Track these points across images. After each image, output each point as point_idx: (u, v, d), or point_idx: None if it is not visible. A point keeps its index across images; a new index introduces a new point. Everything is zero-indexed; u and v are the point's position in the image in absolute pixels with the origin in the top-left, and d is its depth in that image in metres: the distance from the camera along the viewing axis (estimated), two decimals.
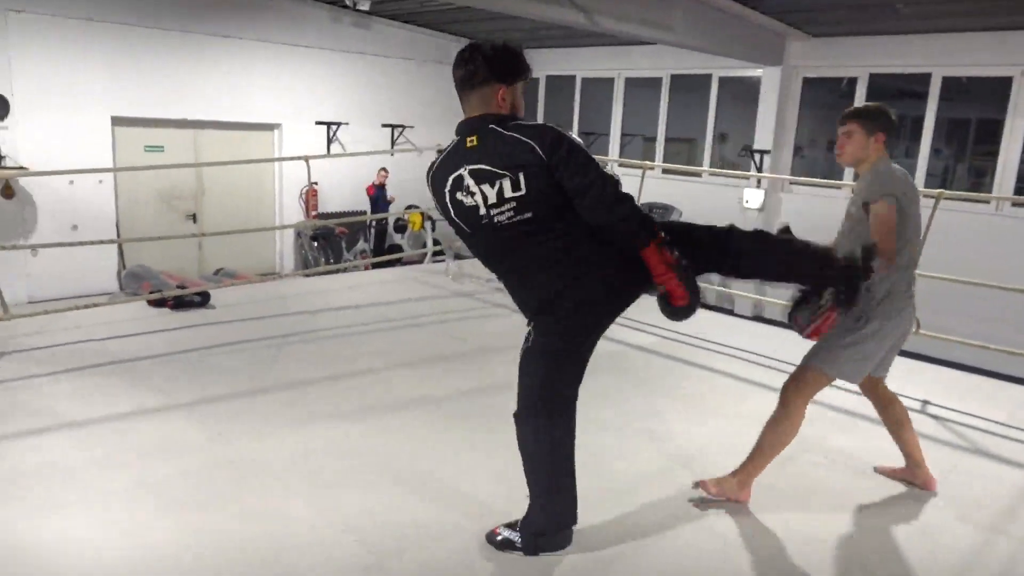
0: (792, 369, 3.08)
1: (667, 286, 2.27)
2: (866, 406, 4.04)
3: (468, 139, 2.33)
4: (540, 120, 12.29)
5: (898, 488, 3.28)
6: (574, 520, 2.62)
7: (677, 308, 2.30)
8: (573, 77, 11.96)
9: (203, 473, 3.13)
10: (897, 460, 3.32)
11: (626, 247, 2.28)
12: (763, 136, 9.75)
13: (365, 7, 9.62)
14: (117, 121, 9.14)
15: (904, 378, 4.57)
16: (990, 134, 8.76)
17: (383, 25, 11.13)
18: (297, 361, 4.56)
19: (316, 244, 10.72)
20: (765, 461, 2.99)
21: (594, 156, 2.32)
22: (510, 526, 2.63)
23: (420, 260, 9.73)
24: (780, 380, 3.05)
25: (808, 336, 2.75)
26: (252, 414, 3.73)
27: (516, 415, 2.54)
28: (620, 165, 11.10)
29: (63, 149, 8.37)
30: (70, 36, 8.58)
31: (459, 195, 2.34)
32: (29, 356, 4.43)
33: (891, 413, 3.20)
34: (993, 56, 8.07)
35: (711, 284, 9.77)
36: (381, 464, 3.28)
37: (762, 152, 9.71)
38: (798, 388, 2.94)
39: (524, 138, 2.25)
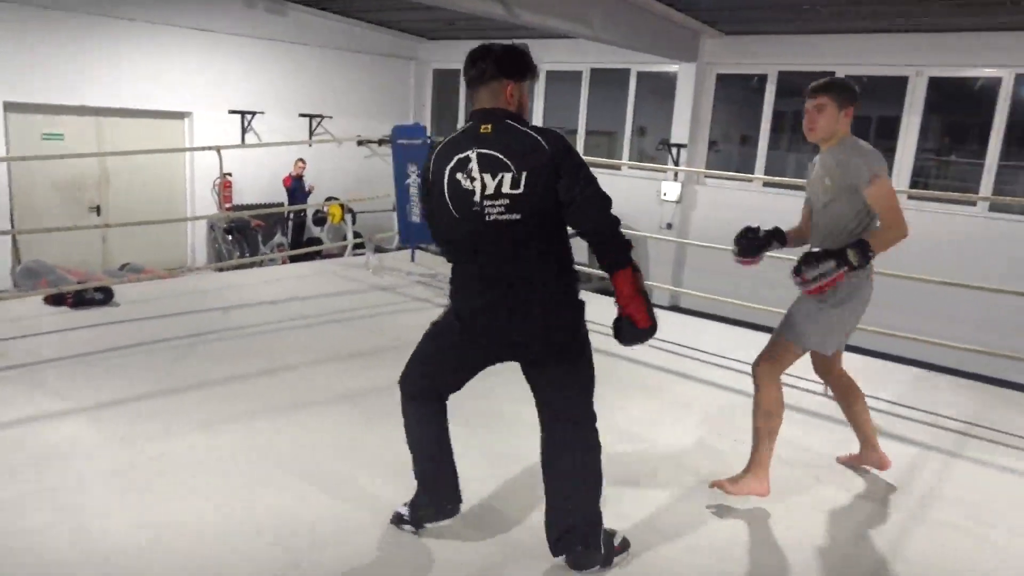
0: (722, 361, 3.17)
1: (633, 310, 2.34)
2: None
3: (483, 126, 2.36)
4: (463, 110, 12.25)
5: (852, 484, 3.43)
6: (453, 499, 2.72)
7: (639, 330, 2.36)
8: None
9: (105, 478, 2.98)
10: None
11: (603, 263, 2.36)
12: (679, 130, 9.99)
13: None
14: (10, 107, 8.59)
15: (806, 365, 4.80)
16: (890, 131, 9.24)
17: (299, 12, 10.82)
18: (209, 359, 4.40)
19: (230, 237, 10.37)
20: (767, 447, 3.01)
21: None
22: (407, 503, 2.74)
23: (340, 253, 9.55)
24: (683, 363, 3.14)
25: (810, 292, 2.84)
26: (159, 415, 3.57)
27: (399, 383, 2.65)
28: None
29: None
30: None
31: (459, 175, 2.35)
32: None
33: (847, 395, 3.24)
34: (892, 57, 8.51)
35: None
36: (296, 463, 3.20)
37: (679, 146, 9.95)
38: (770, 363, 2.98)
39: (539, 137, 2.30)
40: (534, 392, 2.51)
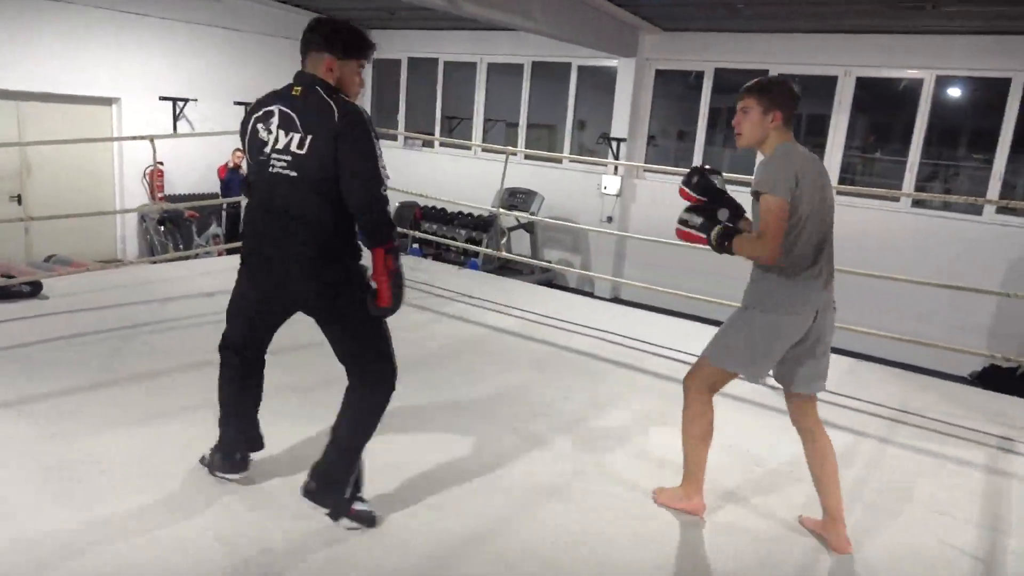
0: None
1: (380, 287, 2.50)
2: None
3: (295, 88, 2.52)
4: (403, 101, 12.16)
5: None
6: (239, 449, 2.93)
7: (381, 308, 2.53)
8: (436, 60, 11.88)
9: (36, 476, 2.87)
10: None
11: (366, 239, 2.51)
12: (619, 125, 10.13)
13: None
14: None
15: None
16: (818, 128, 9.58)
17: None
18: (146, 353, 4.28)
19: (163, 229, 10.04)
20: (696, 462, 2.92)
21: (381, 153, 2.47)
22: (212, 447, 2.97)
23: None
24: (624, 353, 3.20)
25: (677, 230, 2.91)
26: (93, 411, 3.46)
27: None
28: (484, 150, 11.19)
29: None
30: None
31: (259, 126, 2.52)
32: None
33: (815, 450, 2.86)
34: (822, 56, 8.82)
35: (572, 269, 10.06)
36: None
37: (618, 140, 10.10)
38: (693, 380, 2.89)
39: (335, 108, 2.44)
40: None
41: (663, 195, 9.96)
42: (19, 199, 9.27)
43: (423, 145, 12.03)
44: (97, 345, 4.33)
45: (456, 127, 12.09)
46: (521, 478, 3.21)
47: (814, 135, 9.73)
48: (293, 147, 2.45)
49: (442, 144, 11.62)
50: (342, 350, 2.68)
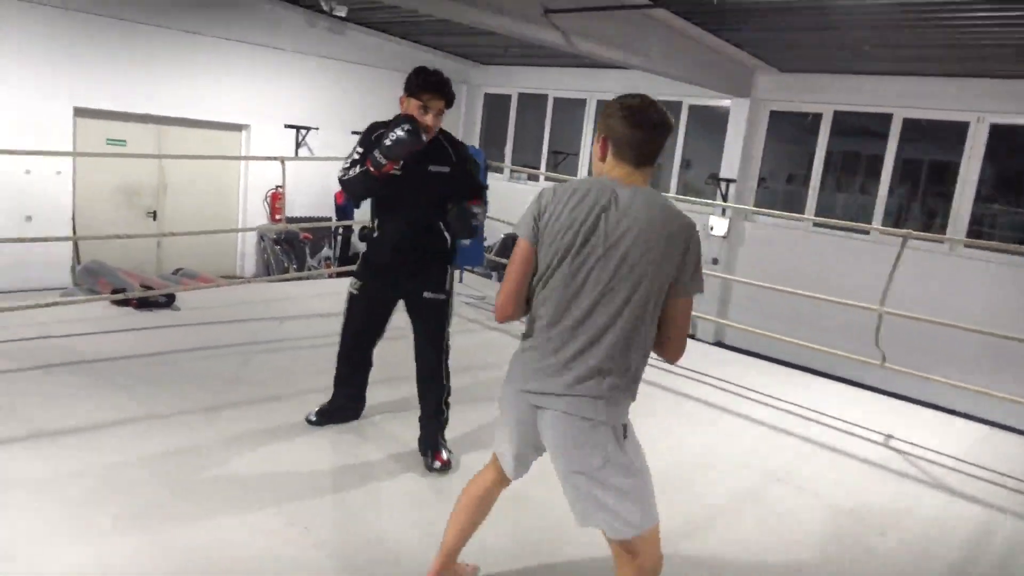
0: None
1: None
2: (830, 435, 4.16)
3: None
4: (511, 134, 12.36)
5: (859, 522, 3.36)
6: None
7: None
8: (545, 96, 12.07)
9: (173, 484, 3.04)
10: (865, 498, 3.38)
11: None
12: (729, 165, 9.97)
13: (342, 13, 9.55)
14: (80, 112, 8.88)
15: (871, 413, 4.73)
16: (941, 175, 9.13)
17: (357, 32, 11.07)
18: (268, 370, 4.48)
19: (279, 248, 10.55)
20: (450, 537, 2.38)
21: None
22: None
23: None
24: (742, 404, 3.10)
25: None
26: (225, 424, 3.64)
27: None
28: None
29: (22, 137, 8.09)
30: (37, 23, 8.32)
31: None
32: None
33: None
34: (953, 101, 8.41)
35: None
36: (354, 479, 3.23)
37: (728, 181, 9.92)
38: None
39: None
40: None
41: (773, 238, 9.70)
42: (154, 215, 9.96)
43: (528, 178, 12.19)
44: (224, 358, 4.57)
45: (562, 162, 12.21)
46: None
47: (935, 183, 9.28)
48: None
49: (547, 178, 11.73)
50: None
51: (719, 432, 4.33)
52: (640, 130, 2.03)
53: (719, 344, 8.75)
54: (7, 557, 2.46)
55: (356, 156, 3.15)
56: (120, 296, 5.17)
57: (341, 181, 3.20)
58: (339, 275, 8.86)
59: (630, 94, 2.08)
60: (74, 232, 8.95)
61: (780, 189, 10.63)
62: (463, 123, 12.79)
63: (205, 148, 10.00)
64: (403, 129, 3.01)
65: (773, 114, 9.92)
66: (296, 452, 3.42)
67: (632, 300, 1.97)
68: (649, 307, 1.98)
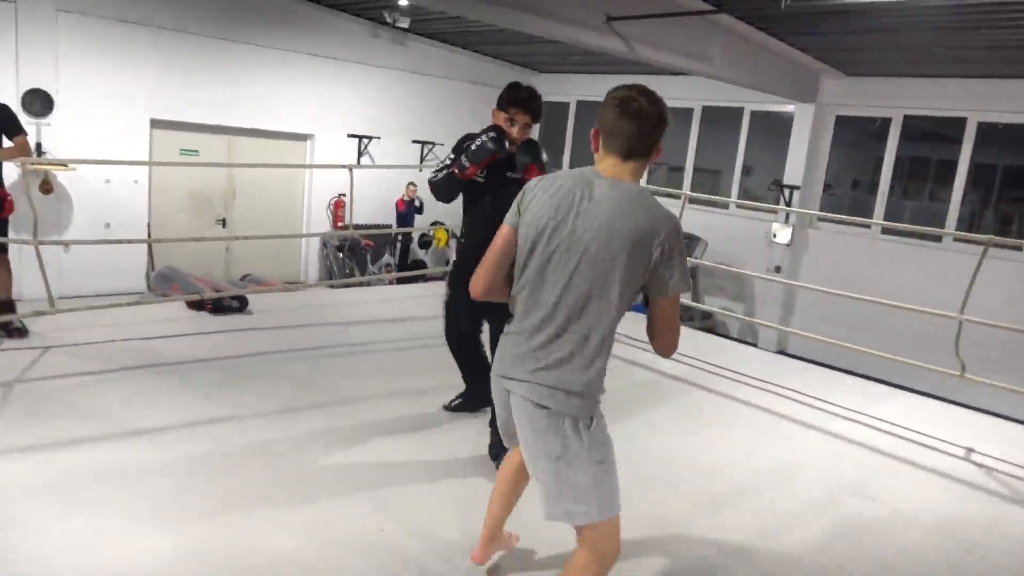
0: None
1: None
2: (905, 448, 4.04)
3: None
4: (569, 142, 12.37)
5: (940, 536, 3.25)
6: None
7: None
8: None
9: (252, 481, 3.13)
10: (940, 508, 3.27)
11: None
12: (793, 171, 9.78)
13: (404, 24, 9.75)
14: (156, 124, 9.26)
15: (950, 426, 4.58)
16: (1016, 181, 8.78)
17: (419, 43, 11.26)
18: (336, 374, 4.57)
19: (341, 255, 10.78)
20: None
21: None
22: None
23: (442, 277, 9.77)
24: (805, 412, 3.01)
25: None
26: (299, 426, 3.74)
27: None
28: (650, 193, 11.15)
29: (102, 148, 8.47)
30: (117, 38, 8.72)
31: None
32: (75, 351, 4.47)
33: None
34: None
35: (735, 314, 9.73)
36: (427, 483, 3.28)
37: (791, 187, 9.74)
38: None
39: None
40: None
41: (839, 245, 9.46)
42: (223, 222, 10.30)
43: None
44: (294, 362, 4.69)
45: None
46: (697, 551, 3.11)
47: (1010, 188, 8.94)
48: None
49: None
50: None
51: (790, 443, 4.25)
52: (629, 121, 1.99)
53: (782, 353, 8.57)
54: (90, 548, 2.58)
55: (448, 161, 3.40)
56: (195, 298, 5.36)
57: (430, 182, 3.44)
58: (399, 281, 9.03)
59: (625, 84, 2.05)
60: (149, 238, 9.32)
61: (846, 195, 10.37)
62: None
63: (272, 157, 10.30)
64: (488, 137, 3.24)
65: (839, 119, 9.70)
66: (371, 450, 3.49)
67: (593, 295, 1.96)
68: (613, 303, 1.96)
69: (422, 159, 11.66)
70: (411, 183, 11.29)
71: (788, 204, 9.66)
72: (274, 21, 9.92)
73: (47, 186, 8.19)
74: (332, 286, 8.65)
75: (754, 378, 5.33)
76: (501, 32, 9.66)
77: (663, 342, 2.08)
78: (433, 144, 11.76)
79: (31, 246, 4.51)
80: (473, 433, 3.80)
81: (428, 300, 6.79)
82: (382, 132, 11.24)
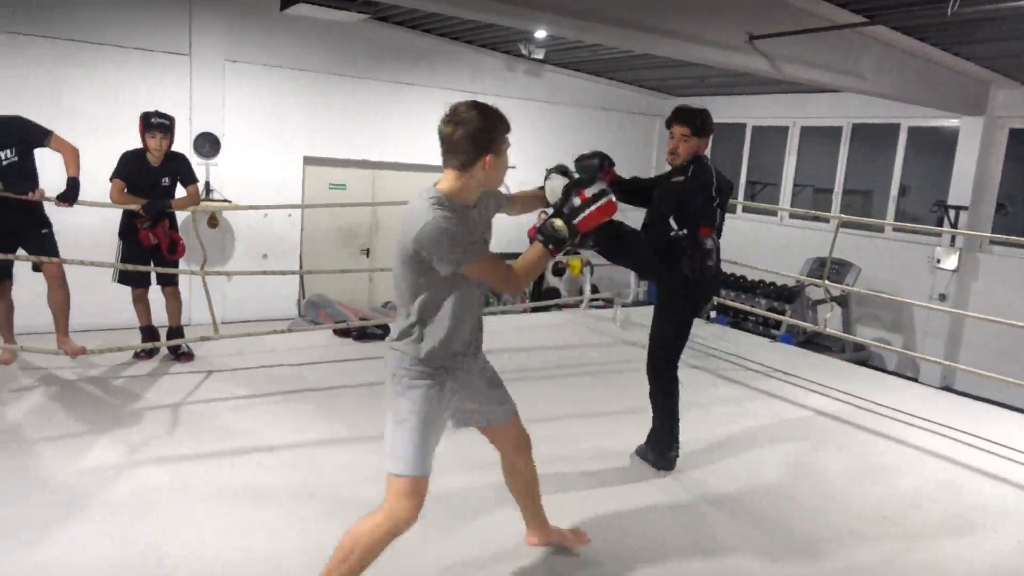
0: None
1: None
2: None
3: None
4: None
5: None
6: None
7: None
8: (743, 125, 11.64)
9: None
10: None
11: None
12: (959, 190, 8.96)
13: (539, 56, 9.87)
14: (308, 160, 9.86)
15: None
16: None
17: (553, 73, 11.37)
18: None
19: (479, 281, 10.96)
20: None
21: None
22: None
23: (576, 305, 9.69)
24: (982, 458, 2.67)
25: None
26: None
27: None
28: (793, 216, 10.60)
29: (261, 185, 9.12)
30: (275, 83, 9.40)
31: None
32: (232, 376, 4.77)
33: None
34: None
35: (892, 347, 8.98)
36: (569, 515, 3.20)
37: (958, 208, 8.92)
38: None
39: None
40: None
41: (1015, 271, 8.55)
42: (367, 252, 10.78)
43: None
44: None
45: (759, 192, 11.66)
46: None
47: None
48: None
49: (745, 208, 11.26)
50: None
51: (966, 494, 3.81)
52: (441, 127, 2.42)
53: (947, 389, 7.79)
54: (229, 558, 2.69)
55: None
56: (342, 326, 5.59)
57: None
58: (534, 310, 9.03)
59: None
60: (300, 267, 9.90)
61: (1020, 216, 9.37)
62: (656, 157, 12.66)
63: (413, 189, 10.62)
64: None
65: (1013, 132, 8.81)
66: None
67: (396, 283, 2.42)
68: (401, 288, 2.40)
69: None
70: (543, 211, 11.34)
71: (954, 226, 8.85)
72: (416, 59, 10.35)
73: (213, 221, 8.90)
74: None
75: (919, 417, 4.86)
76: (637, 58, 9.57)
77: (502, 289, 2.56)
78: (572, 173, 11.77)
79: (199, 276, 4.88)
80: (615, 470, 3.68)
81: (563, 328, 6.75)
82: (517, 161, 11.33)
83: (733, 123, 11.72)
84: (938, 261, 8.96)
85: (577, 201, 2.61)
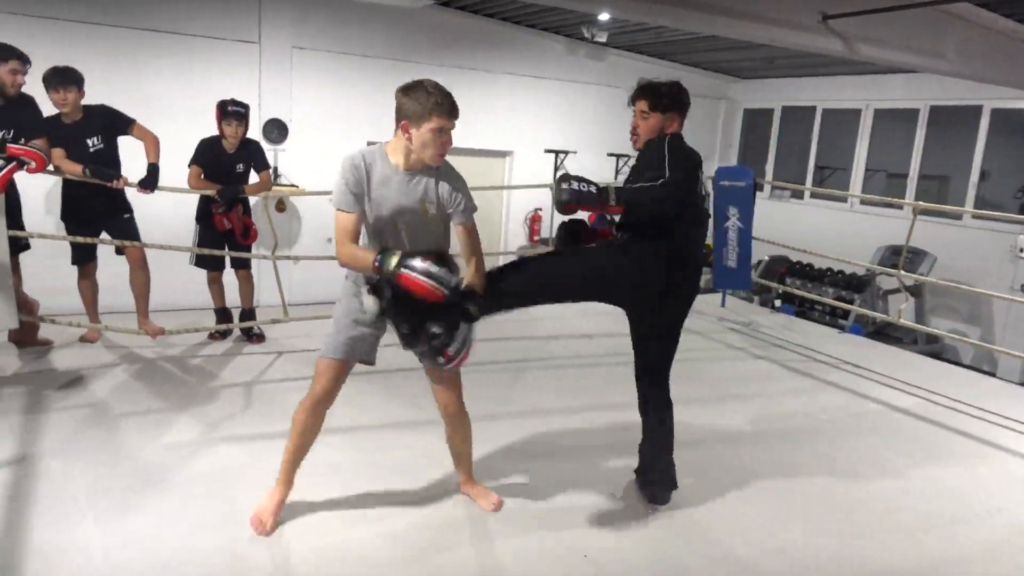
0: None
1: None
2: None
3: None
4: (773, 150, 11.72)
5: None
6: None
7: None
8: (812, 108, 11.27)
9: (449, 491, 3.23)
10: None
11: None
12: None
13: (602, 39, 9.75)
14: (371, 144, 9.99)
15: None
16: None
17: (616, 56, 11.21)
18: (538, 389, 4.61)
19: None
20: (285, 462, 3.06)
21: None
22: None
23: None
24: None
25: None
26: (500, 438, 3.80)
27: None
28: (863, 202, 10.26)
29: (327, 170, 9.28)
30: (339, 69, 9.53)
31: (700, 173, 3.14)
32: (301, 357, 4.90)
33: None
34: None
35: (968, 340, 8.67)
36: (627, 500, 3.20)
37: None
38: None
39: None
40: None
41: None
42: None
43: (792, 196, 11.46)
44: (499, 374, 4.80)
45: (828, 177, 11.30)
46: None
47: None
48: (701, 191, 3.11)
49: (812, 195, 10.94)
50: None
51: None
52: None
53: None
54: (299, 536, 2.76)
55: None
56: None
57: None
58: None
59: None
60: None
61: None
62: (720, 141, 12.40)
63: (475, 173, 10.67)
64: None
65: None
66: (563, 470, 3.46)
67: None
68: None
69: (616, 171, 11.59)
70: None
71: None
72: (478, 44, 10.34)
73: (281, 206, 9.12)
74: None
75: (998, 415, 4.66)
76: (703, 40, 9.36)
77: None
78: (627, 157, 11.64)
79: (268, 260, 5.01)
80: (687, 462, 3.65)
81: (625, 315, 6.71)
82: (578, 146, 11.30)
83: (803, 107, 11.37)
84: (1020, 250, 8.55)
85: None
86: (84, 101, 4.62)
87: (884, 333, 8.85)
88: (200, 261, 5.20)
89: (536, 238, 11.16)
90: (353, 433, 3.77)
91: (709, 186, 3.38)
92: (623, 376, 4.90)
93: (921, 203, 5.94)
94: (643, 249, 2.96)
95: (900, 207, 9.22)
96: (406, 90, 2.78)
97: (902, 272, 6.21)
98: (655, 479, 3.23)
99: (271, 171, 5.87)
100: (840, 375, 5.32)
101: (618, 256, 3.00)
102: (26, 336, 4.77)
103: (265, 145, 8.61)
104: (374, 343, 2.99)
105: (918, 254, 9.18)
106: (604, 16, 8.83)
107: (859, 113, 10.66)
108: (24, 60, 4.30)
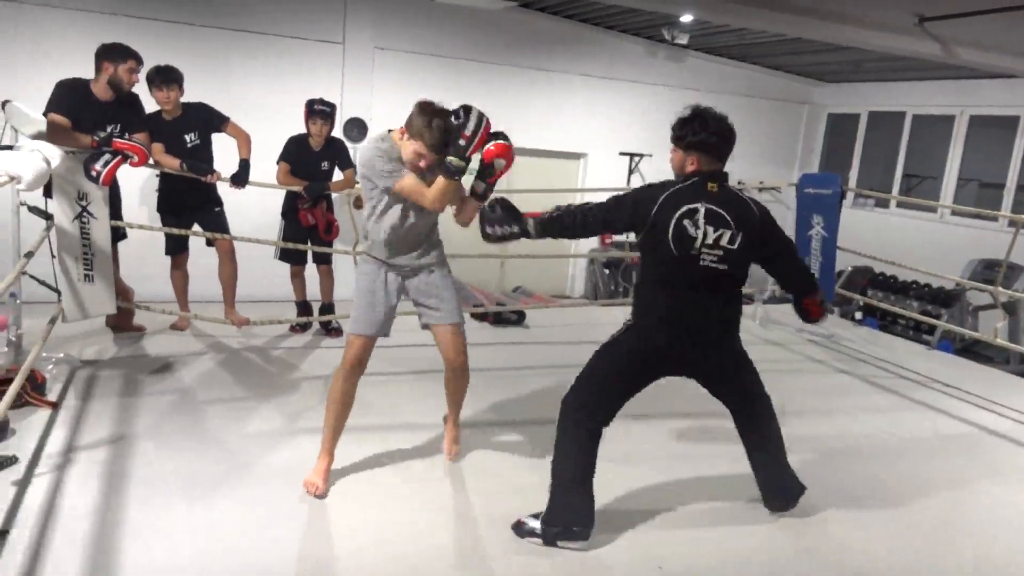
0: None
1: (814, 310, 3.14)
2: None
3: (710, 184, 2.85)
4: (857, 156, 11.33)
5: None
6: (588, 523, 2.88)
7: (813, 318, 3.18)
8: (901, 114, 10.83)
9: (521, 490, 3.23)
10: None
11: (799, 291, 3.14)
12: None
13: (683, 41, 9.60)
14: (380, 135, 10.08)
15: None
16: None
17: (695, 59, 11.02)
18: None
19: (608, 272, 10.89)
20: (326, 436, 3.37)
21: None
22: (535, 516, 2.93)
23: None
24: None
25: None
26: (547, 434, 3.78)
27: (564, 401, 3.01)
28: (955, 213, 9.79)
29: None
30: (417, 69, 9.67)
31: (686, 222, 2.78)
32: (375, 353, 4.95)
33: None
34: None
35: None
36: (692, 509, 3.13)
37: None
38: None
39: (751, 204, 2.90)
40: (723, 394, 3.09)
41: None
42: None
43: (876, 204, 11.04)
44: (565, 376, 4.77)
45: (916, 186, 10.83)
46: None
47: None
48: (724, 243, 2.79)
49: (899, 204, 10.51)
50: (742, 394, 3.09)
51: None
52: None
53: None
54: (351, 513, 2.80)
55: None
56: (480, 311, 5.71)
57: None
58: None
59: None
60: None
61: None
62: (801, 146, 12.04)
63: (549, 175, 10.71)
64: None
65: None
66: (624, 476, 3.42)
67: None
68: None
69: None
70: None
71: None
72: (555, 46, 10.33)
73: (359, 203, 9.31)
74: (603, 304, 8.76)
75: None
76: (786, 42, 9.11)
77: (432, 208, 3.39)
78: None
79: (348, 256, 5.12)
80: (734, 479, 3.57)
81: None
82: (653, 149, 11.16)
83: (892, 112, 10.94)
84: None
85: (461, 142, 3.07)
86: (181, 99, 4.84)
87: (972, 351, 8.42)
88: (284, 255, 5.36)
89: (608, 241, 11.08)
90: (430, 430, 3.81)
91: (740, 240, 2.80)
92: (689, 386, 4.85)
93: (998, 213, 5.61)
94: (636, 323, 2.96)
95: (995, 219, 8.77)
96: (421, 109, 3.24)
97: (999, 288, 5.89)
98: (787, 485, 3.21)
99: (354, 169, 6.01)
100: (927, 393, 5.09)
101: (625, 340, 2.98)
102: (122, 321, 5.02)
103: (345, 144, 8.84)
104: (392, 318, 3.41)
105: (1014, 269, 8.68)
106: (687, 18, 8.69)
107: (951, 120, 10.18)
108: (139, 60, 4.53)
